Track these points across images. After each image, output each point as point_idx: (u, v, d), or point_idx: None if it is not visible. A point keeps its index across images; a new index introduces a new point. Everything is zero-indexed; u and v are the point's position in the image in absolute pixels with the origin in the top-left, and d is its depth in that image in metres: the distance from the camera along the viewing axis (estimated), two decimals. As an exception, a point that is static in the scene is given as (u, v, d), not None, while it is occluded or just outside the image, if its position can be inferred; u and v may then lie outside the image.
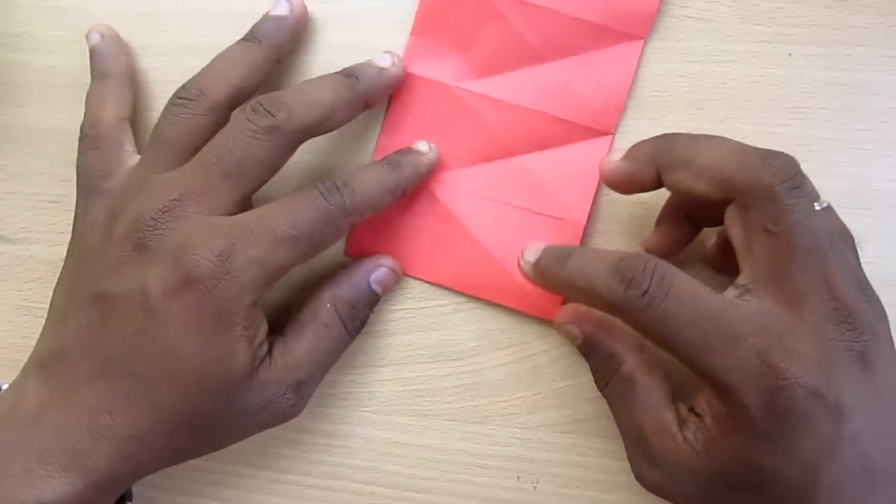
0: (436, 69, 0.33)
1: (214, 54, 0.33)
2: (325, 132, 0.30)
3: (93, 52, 0.33)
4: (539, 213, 0.33)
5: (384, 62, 0.32)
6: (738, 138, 0.32)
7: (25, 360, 0.34)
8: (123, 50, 0.33)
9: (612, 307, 0.27)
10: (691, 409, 0.28)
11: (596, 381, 0.31)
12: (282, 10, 0.32)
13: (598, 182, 0.33)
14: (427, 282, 0.34)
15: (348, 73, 0.31)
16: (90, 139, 0.31)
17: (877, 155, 0.33)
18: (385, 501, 0.34)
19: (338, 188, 0.29)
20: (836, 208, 0.31)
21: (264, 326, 0.29)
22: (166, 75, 0.34)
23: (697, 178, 0.27)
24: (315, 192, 0.29)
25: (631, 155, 0.29)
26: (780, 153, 0.27)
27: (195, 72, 0.33)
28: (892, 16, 0.32)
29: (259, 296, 0.28)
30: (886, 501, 0.26)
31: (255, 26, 0.32)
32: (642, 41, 0.33)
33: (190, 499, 0.34)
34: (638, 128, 0.33)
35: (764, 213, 0.26)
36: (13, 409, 0.28)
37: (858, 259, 0.28)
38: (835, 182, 0.33)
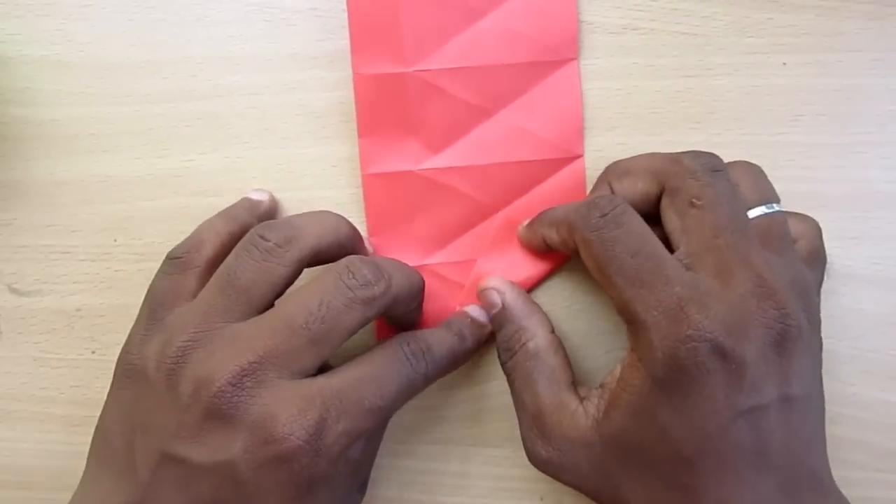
0: (395, 161, 0.33)
1: (215, 98, 0.34)
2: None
3: (244, 200, 0.33)
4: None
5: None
6: (737, 149, 0.33)
7: (44, 411, 0.35)
8: (269, 217, 0.33)
9: (572, 225, 0.29)
10: (598, 386, 0.29)
11: (500, 355, 0.32)
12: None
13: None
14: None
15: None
16: (181, 263, 0.29)
17: (876, 157, 0.33)
18: (411, 529, 0.34)
19: (423, 353, 0.29)
20: (837, 213, 0.32)
21: None
22: (169, 121, 0.34)
23: (636, 180, 0.30)
24: (402, 356, 0.28)
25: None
26: (706, 152, 0.29)
27: (198, 116, 0.34)
28: (882, 20, 0.33)
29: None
30: (770, 488, 0.26)
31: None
32: (575, 61, 0.33)
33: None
34: (637, 146, 0.33)
35: (688, 191, 0.28)
36: None
37: (813, 274, 0.29)
38: (835, 186, 0.33)
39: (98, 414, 0.34)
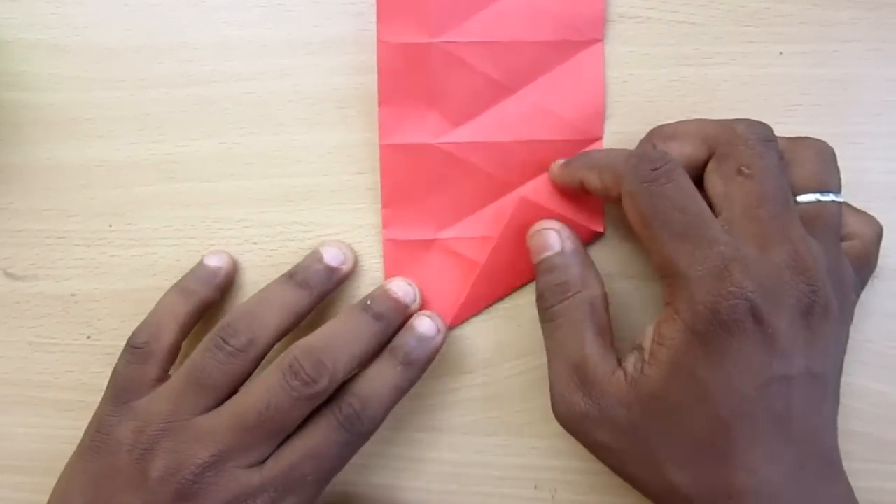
0: (414, 132, 0.33)
1: (210, 84, 0.34)
2: None
3: (201, 269, 0.33)
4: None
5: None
6: (734, 138, 0.32)
7: (39, 396, 0.35)
8: (227, 284, 0.34)
9: (619, 175, 0.29)
10: (634, 348, 0.29)
11: (546, 297, 0.30)
12: (335, 260, 0.33)
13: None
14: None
15: (378, 315, 0.31)
16: (143, 353, 0.31)
17: (872, 147, 0.33)
18: (404, 517, 0.34)
19: (358, 416, 0.30)
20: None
21: None
22: (164, 107, 0.34)
23: (684, 143, 0.29)
24: (335, 425, 0.30)
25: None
26: (759, 121, 0.29)
27: (193, 101, 0.34)
28: (879, 10, 0.33)
29: None
30: (791, 462, 0.26)
31: (305, 270, 0.32)
32: (601, 43, 0.33)
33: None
34: (634, 134, 0.33)
35: (738, 158, 0.28)
36: None
37: (855, 275, 0.29)
38: (832, 176, 0.33)
39: (95, 399, 0.35)
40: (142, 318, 0.34)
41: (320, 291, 0.32)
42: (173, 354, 0.32)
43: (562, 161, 0.32)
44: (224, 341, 0.30)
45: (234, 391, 0.30)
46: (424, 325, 0.32)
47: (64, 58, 0.34)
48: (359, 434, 0.30)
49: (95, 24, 0.34)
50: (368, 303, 0.32)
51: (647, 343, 0.28)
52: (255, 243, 0.34)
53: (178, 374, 0.31)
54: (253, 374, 0.31)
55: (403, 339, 0.32)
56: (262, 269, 0.34)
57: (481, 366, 0.34)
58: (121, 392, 0.31)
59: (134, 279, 0.35)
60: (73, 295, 0.35)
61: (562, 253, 0.31)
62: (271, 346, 0.31)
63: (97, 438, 0.31)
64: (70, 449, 0.35)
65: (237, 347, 0.30)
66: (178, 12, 0.34)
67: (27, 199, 0.35)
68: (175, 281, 0.34)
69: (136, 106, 0.34)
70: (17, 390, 0.35)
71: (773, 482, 0.26)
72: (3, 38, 0.34)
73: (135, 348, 0.31)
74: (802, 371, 0.26)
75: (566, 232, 0.31)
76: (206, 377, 0.30)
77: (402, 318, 0.32)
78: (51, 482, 0.35)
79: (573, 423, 0.29)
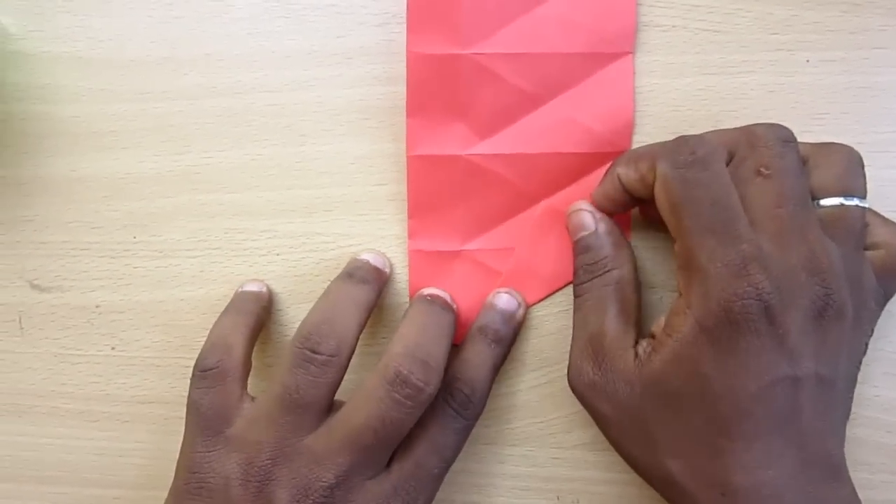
0: (442, 143, 0.33)
1: (234, 95, 0.34)
2: None
3: (245, 293, 0.33)
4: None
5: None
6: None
7: (63, 407, 0.35)
8: (270, 307, 0.34)
9: (655, 157, 0.28)
10: (650, 335, 0.29)
11: (578, 276, 0.32)
12: (378, 262, 0.33)
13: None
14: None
15: (441, 302, 0.32)
16: (218, 373, 0.30)
17: (901, 156, 0.33)
18: (427, 527, 0.34)
19: (469, 399, 0.31)
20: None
21: None
22: (188, 118, 0.34)
23: None
24: (451, 413, 0.30)
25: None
26: (778, 124, 0.29)
27: (217, 113, 0.34)
28: (909, 17, 0.32)
29: None
30: (793, 464, 0.26)
31: (360, 269, 0.32)
32: (631, 55, 0.33)
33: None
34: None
35: (757, 159, 0.28)
36: None
37: (878, 284, 0.29)
38: (860, 185, 0.32)
39: (119, 410, 0.35)
40: (166, 328, 0.34)
41: (379, 286, 0.32)
42: (248, 368, 0.31)
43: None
44: (312, 352, 0.29)
45: (330, 401, 0.30)
46: (504, 300, 0.33)
47: (88, 70, 0.34)
48: (472, 417, 0.31)
49: (119, 37, 0.34)
50: (425, 294, 0.32)
51: (660, 331, 0.28)
52: (278, 254, 0.34)
53: (267, 397, 0.29)
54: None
55: (490, 318, 0.32)
56: (285, 281, 0.34)
57: (504, 376, 0.34)
58: (210, 422, 0.30)
59: (158, 290, 0.35)
60: (97, 306, 0.35)
61: (595, 233, 0.32)
62: (355, 347, 0.30)
63: (194, 480, 0.29)
64: (94, 460, 0.35)
65: (328, 354, 0.29)
66: (201, 24, 0.34)
67: (52, 211, 0.35)
68: (198, 292, 0.34)
69: (159, 118, 0.34)
70: (42, 401, 0.36)
71: (771, 484, 0.26)
72: (27, 50, 0.34)
73: (207, 371, 0.30)
74: (811, 374, 0.26)
75: (599, 213, 0.32)
76: (304, 395, 0.29)
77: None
78: (74, 492, 0.35)
79: (580, 390, 0.30)
